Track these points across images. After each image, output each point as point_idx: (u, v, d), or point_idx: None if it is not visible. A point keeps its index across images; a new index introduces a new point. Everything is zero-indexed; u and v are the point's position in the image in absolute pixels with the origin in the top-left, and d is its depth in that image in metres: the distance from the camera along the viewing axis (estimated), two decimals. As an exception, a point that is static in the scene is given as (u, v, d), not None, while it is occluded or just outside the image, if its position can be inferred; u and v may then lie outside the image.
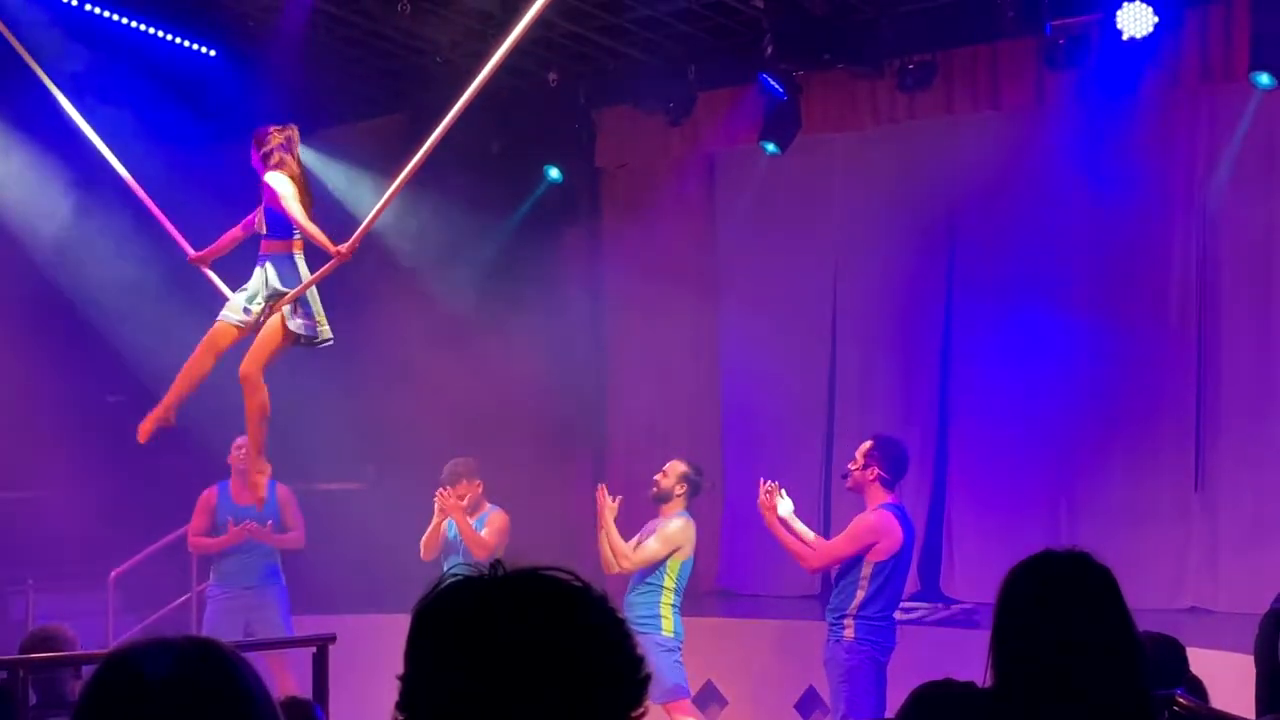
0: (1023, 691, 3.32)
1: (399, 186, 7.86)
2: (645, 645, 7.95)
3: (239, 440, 10.26)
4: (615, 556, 9.48)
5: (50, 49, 9.01)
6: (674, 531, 9.51)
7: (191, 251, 8.43)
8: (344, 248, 7.86)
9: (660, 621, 9.41)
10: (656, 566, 9.47)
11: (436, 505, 10.15)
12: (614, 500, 9.66)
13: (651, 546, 9.50)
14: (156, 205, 8.49)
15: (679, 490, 9.63)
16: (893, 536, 8.57)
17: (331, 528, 12.10)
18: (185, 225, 8.57)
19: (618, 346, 14.36)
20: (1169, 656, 5.16)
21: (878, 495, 8.70)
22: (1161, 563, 11.65)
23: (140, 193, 8.46)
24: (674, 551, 9.50)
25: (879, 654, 8.64)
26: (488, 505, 10.41)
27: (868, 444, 8.80)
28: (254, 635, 10.34)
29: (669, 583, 9.49)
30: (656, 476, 9.69)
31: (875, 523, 8.63)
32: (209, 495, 10.88)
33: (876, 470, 8.68)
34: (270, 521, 10.55)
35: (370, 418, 13.03)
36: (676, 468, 9.69)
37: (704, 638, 11.12)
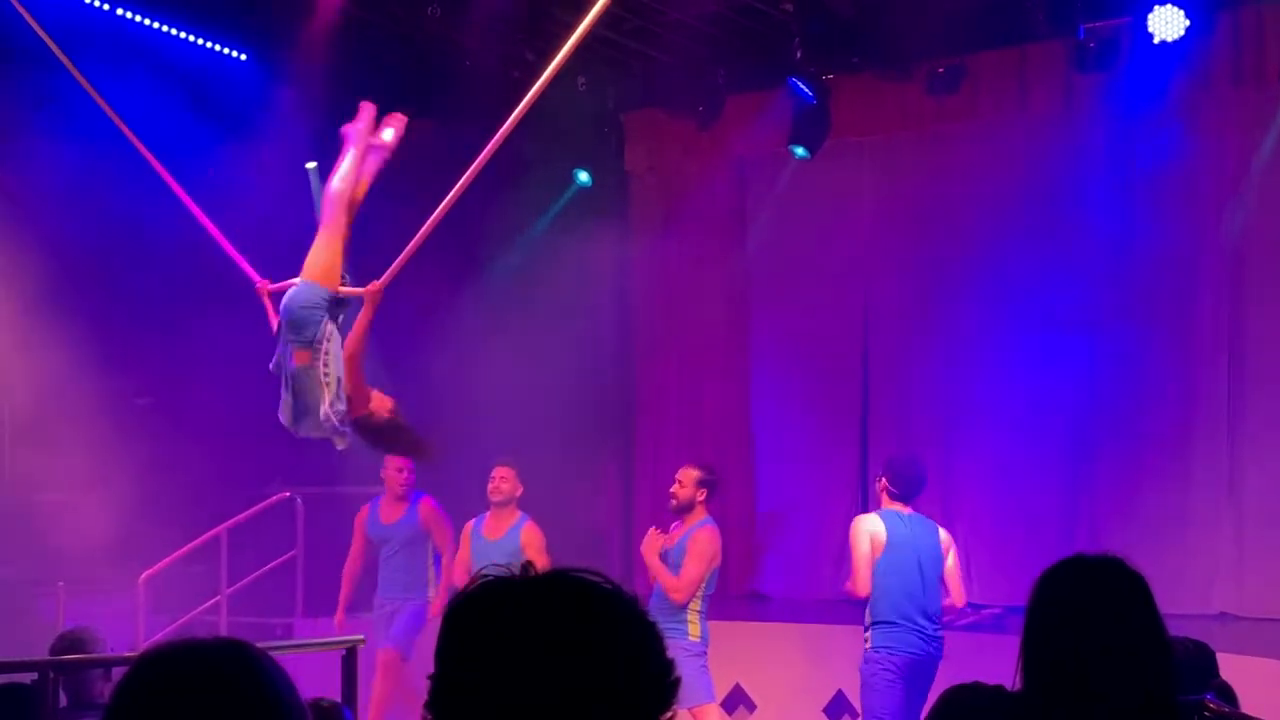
0: (1052, 695, 3.31)
1: (434, 223, 7.82)
2: (671, 650, 7.98)
3: (397, 461, 10.64)
4: (667, 592, 9.44)
5: (83, 54, 9.00)
6: (705, 546, 9.53)
7: (258, 279, 8.24)
8: (378, 284, 7.86)
9: (687, 627, 9.41)
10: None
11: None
12: (660, 535, 9.68)
13: (693, 570, 9.47)
14: (215, 225, 8.40)
15: (699, 497, 9.62)
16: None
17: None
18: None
19: (646, 350, 14.35)
20: (1199, 661, 5.14)
21: (885, 504, 9.37)
22: (1191, 569, 11.59)
23: (205, 219, 8.35)
24: (699, 561, 9.52)
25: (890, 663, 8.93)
26: (520, 513, 10.50)
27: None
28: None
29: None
30: (673, 489, 9.69)
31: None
32: (361, 514, 11.26)
33: (884, 483, 9.38)
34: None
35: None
36: (690, 475, 9.68)
37: (733, 641, 11.12)
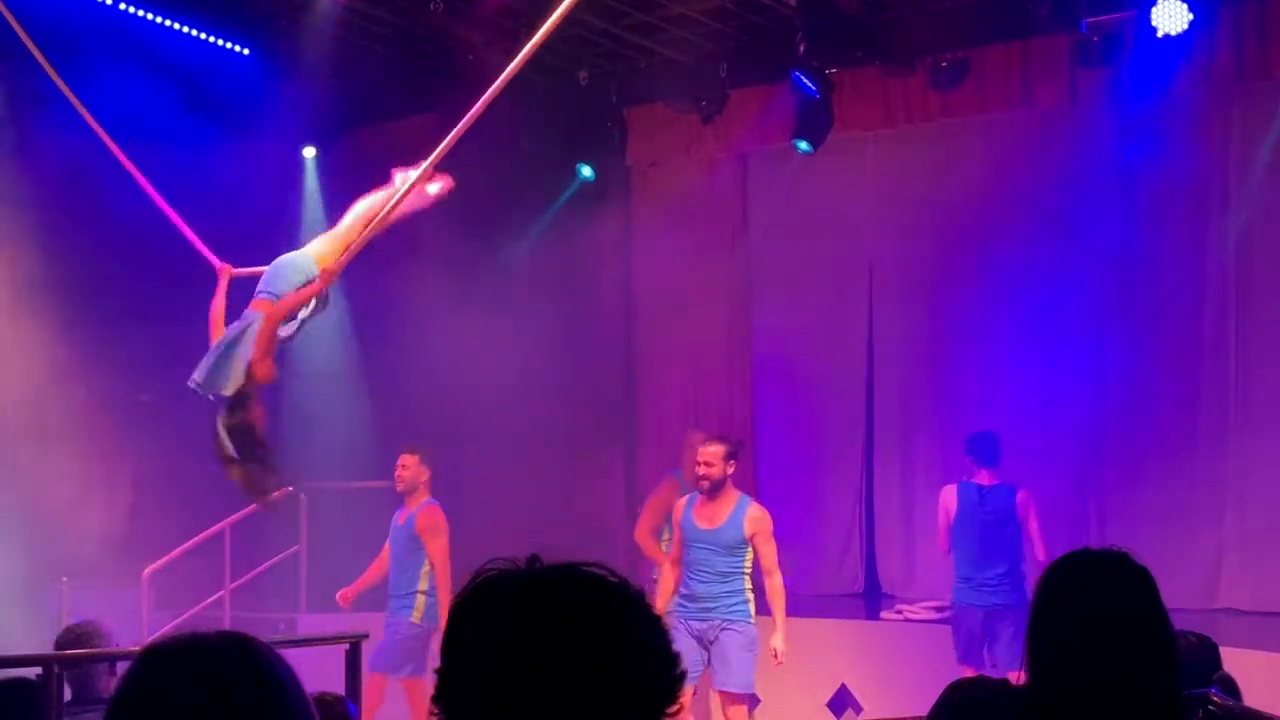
0: (1057, 690, 3.31)
1: (393, 207, 7.79)
2: (739, 641, 7.87)
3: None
4: (776, 591, 9.22)
5: (75, 45, 8.99)
6: (761, 517, 9.28)
7: (218, 262, 8.18)
8: (331, 265, 7.82)
9: (748, 608, 9.27)
10: (741, 552, 9.23)
11: None
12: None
13: (771, 549, 9.23)
14: (179, 210, 8.33)
15: (730, 470, 9.33)
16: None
17: (361, 526, 12.13)
18: (210, 226, 8.52)
19: (649, 344, 14.36)
20: (1202, 655, 5.14)
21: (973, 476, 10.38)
22: (1196, 564, 11.60)
23: (165, 205, 8.31)
24: (766, 540, 9.31)
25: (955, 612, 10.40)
26: (425, 498, 10.41)
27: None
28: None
29: (748, 566, 9.30)
30: (701, 471, 9.28)
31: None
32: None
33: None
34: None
35: (399, 417, 13.05)
36: (717, 451, 9.31)
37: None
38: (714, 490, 9.28)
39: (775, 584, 9.24)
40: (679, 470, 10.95)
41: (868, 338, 13.49)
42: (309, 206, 12.98)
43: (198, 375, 7.72)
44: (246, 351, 7.65)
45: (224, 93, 11.93)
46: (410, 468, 10.38)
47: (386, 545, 10.59)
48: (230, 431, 7.72)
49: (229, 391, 7.66)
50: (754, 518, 9.25)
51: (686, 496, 9.56)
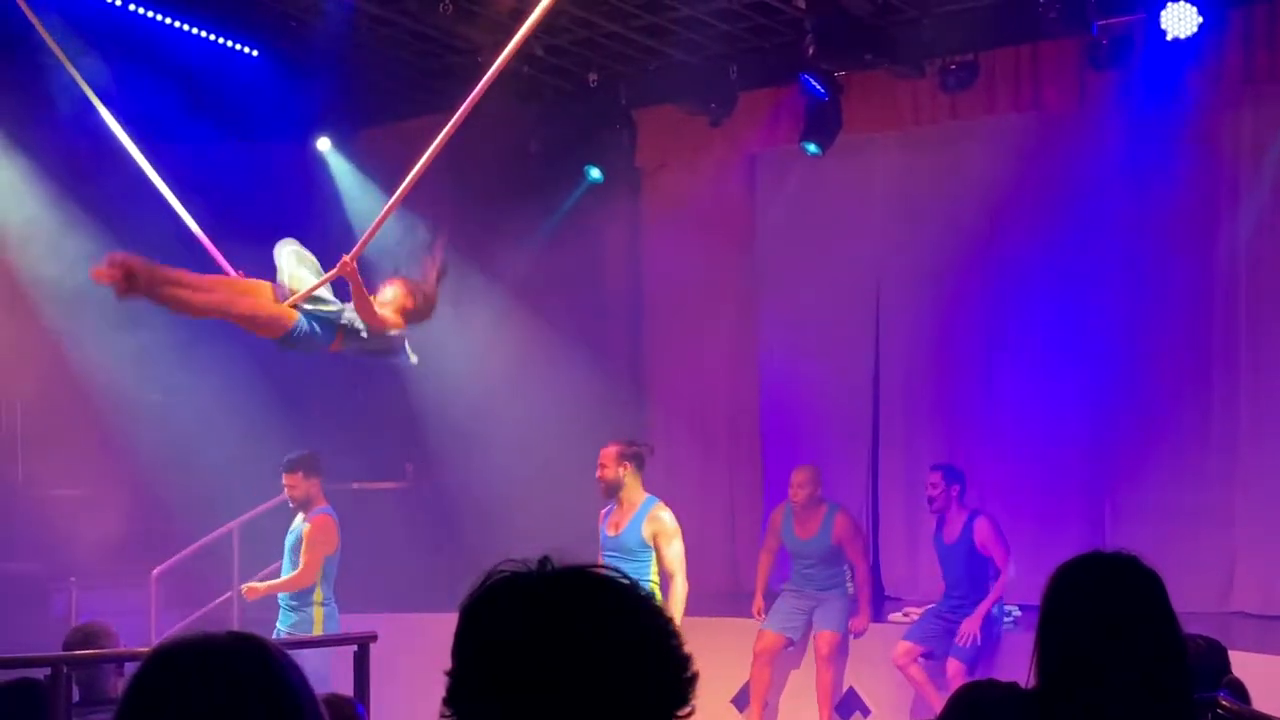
0: (1066, 692, 3.31)
1: (399, 198, 7.82)
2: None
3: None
4: (676, 600, 9.10)
5: (84, 48, 8.99)
6: (668, 520, 9.20)
7: (232, 272, 8.23)
8: (347, 258, 7.85)
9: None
10: (644, 557, 9.16)
11: None
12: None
13: (673, 551, 9.15)
14: (196, 217, 8.39)
15: (623, 471, 9.28)
16: None
17: (371, 526, 12.15)
18: (218, 226, 8.54)
19: (657, 347, 14.36)
20: (1211, 659, 5.14)
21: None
22: (1206, 567, 11.58)
23: (185, 215, 8.35)
24: (668, 542, 9.22)
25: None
26: (314, 508, 10.20)
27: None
28: None
29: (654, 575, 9.17)
30: (597, 475, 9.37)
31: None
32: None
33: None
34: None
35: (408, 417, 13.07)
36: (609, 452, 9.35)
37: (744, 639, 11.14)
38: (609, 492, 9.31)
39: (675, 588, 9.11)
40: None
41: (874, 340, 13.48)
42: (344, 187, 12.98)
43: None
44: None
45: (232, 93, 11.94)
46: (298, 486, 10.08)
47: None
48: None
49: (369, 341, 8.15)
50: (652, 517, 9.20)
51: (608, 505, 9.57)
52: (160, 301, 7.64)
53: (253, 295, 8.00)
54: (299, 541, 10.11)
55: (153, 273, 7.49)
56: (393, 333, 8.20)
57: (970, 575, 10.69)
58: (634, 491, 9.33)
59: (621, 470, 9.28)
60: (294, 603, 10.06)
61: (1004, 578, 10.54)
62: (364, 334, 8.12)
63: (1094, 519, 12.20)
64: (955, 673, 10.30)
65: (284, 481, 10.17)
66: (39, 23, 8.36)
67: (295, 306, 7.93)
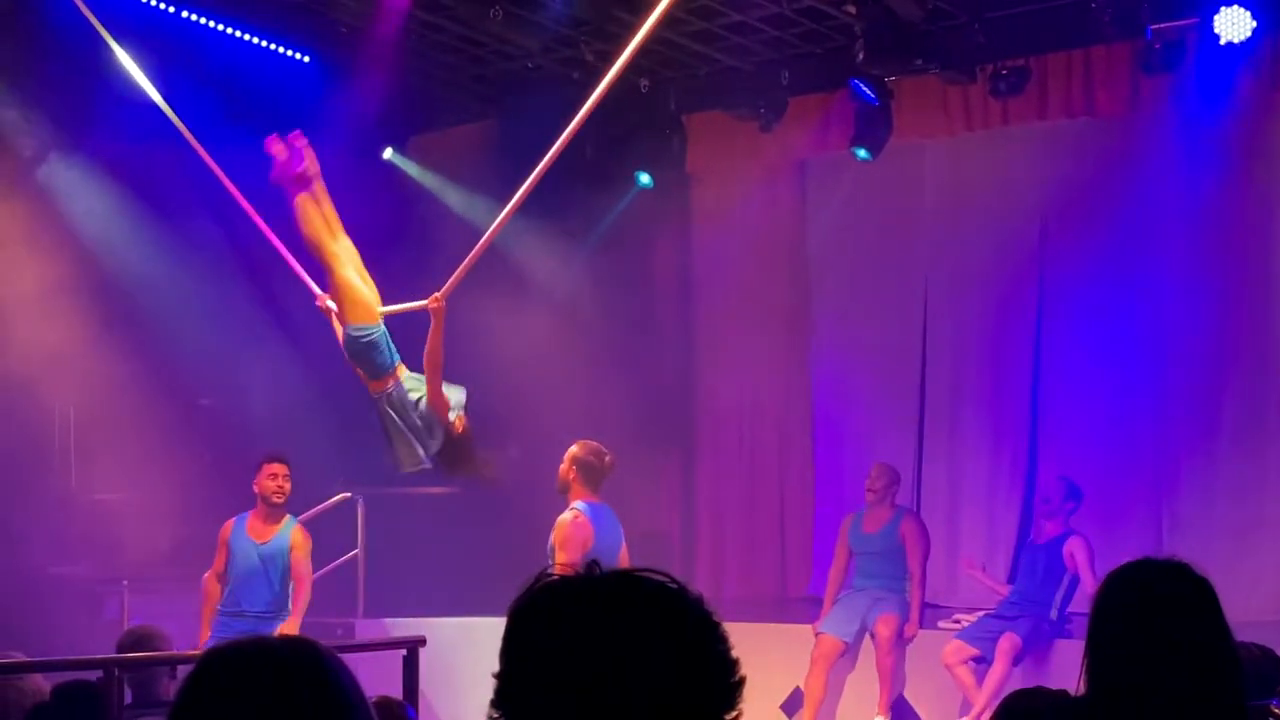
0: (1116, 701, 3.29)
1: (499, 226, 7.86)
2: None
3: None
4: None
5: (134, 51, 9.02)
6: (561, 521, 8.78)
7: (320, 294, 8.33)
8: (439, 294, 7.89)
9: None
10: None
11: None
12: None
13: (562, 552, 8.57)
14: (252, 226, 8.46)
15: (571, 475, 8.91)
16: None
17: (419, 531, 12.18)
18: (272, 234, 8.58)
19: (707, 352, 14.34)
20: (1265, 667, 5.11)
21: None
22: (1264, 575, 11.48)
23: (269, 233, 8.43)
24: (556, 548, 8.71)
25: None
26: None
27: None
28: None
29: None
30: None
31: None
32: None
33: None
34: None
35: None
36: (569, 452, 9.00)
37: (794, 644, 11.10)
38: (562, 493, 8.96)
39: None
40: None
41: (922, 345, 13.44)
42: (433, 187, 13.01)
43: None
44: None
45: (284, 99, 11.98)
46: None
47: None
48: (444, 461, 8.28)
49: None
50: (558, 524, 8.80)
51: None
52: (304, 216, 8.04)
53: (364, 279, 8.10)
54: (279, 555, 9.75)
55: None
56: (440, 424, 8.14)
57: (1042, 583, 10.59)
58: (575, 495, 8.93)
59: (570, 473, 8.95)
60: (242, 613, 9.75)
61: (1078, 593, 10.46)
62: (420, 405, 8.11)
63: (1151, 530, 12.11)
64: (1010, 647, 10.28)
65: (280, 471, 9.86)
66: (108, 34, 8.41)
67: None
